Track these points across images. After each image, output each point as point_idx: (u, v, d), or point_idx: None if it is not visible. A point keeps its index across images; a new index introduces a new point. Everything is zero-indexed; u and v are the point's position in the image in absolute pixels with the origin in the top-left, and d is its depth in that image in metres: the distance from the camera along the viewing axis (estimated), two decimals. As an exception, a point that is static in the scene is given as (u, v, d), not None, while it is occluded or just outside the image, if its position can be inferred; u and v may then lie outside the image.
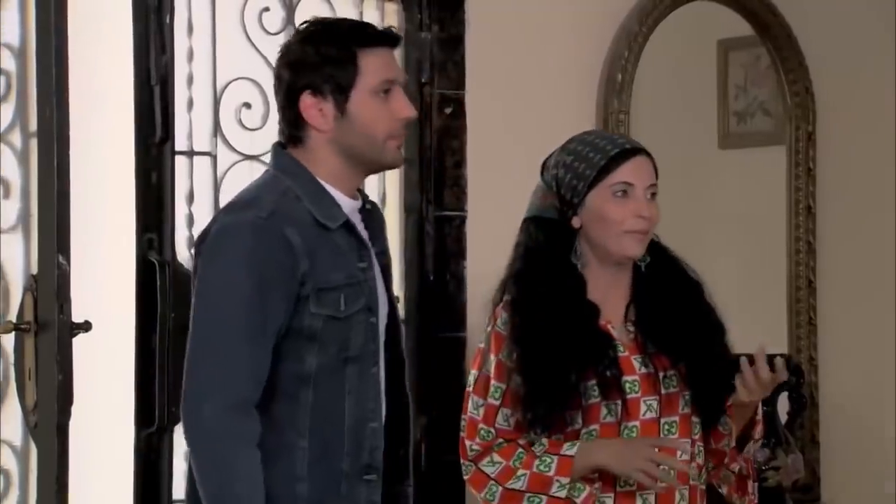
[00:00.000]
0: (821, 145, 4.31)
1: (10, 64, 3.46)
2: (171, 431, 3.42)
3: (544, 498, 2.78)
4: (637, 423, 2.82)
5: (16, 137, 3.46)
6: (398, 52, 3.80)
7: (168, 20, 3.45)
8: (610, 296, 2.87)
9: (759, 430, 2.91)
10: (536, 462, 2.79)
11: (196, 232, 3.49)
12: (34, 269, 3.25)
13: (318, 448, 2.56)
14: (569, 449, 2.78)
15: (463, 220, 3.83)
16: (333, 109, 2.59)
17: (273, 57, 3.65)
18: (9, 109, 3.45)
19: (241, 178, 3.56)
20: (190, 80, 3.54)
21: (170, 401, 3.36)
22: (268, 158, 3.70)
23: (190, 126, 3.54)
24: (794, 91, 4.29)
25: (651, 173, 2.84)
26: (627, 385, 2.80)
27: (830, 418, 4.27)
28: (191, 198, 3.55)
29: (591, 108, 4.02)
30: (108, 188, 3.50)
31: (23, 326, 3.25)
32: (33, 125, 3.32)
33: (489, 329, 2.87)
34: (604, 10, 4.03)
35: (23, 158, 3.46)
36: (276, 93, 2.65)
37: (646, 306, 2.88)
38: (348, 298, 2.57)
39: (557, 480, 2.77)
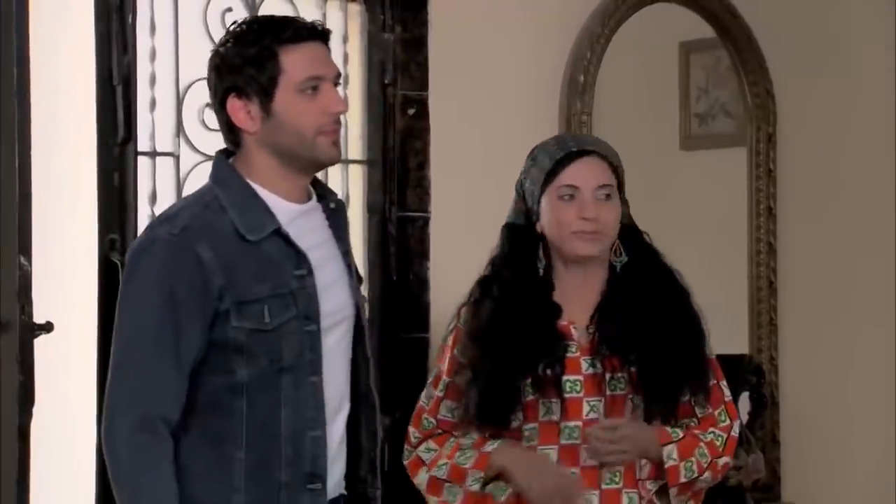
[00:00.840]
0: (781, 147, 4.33)
1: (-30, 63, 3.44)
2: (134, 432, 3.42)
3: (461, 489, 2.82)
4: (579, 422, 2.86)
5: (-23, 138, 3.44)
6: (360, 51, 3.85)
7: (130, 20, 3.42)
8: (577, 296, 2.90)
9: (675, 477, 2.87)
10: (458, 454, 2.87)
11: (159, 233, 3.54)
12: (-5, 270, 3.24)
13: (255, 459, 2.56)
14: (489, 446, 2.82)
15: (426, 221, 3.83)
16: (259, 110, 2.56)
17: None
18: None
19: (203, 179, 3.59)
20: (152, 81, 3.53)
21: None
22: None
23: (152, 126, 3.53)
24: (755, 92, 4.32)
25: (600, 174, 2.86)
26: (569, 384, 2.84)
27: (791, 418, 4.29)
28: (153, 198, 3.54)
29: (554, 110, 4.03)
30: (70, 189, 3.49)
31: (-17, 327, 3.24)
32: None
33: (451, 326, 2.91)
34: (566, 11, 4.04)
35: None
36: (211, 97, 2.64)
37: (611, 307, 2.89)
38: (273, 310, 2.54)
39: (472, 473, 2.82)
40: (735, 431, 2.96)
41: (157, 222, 2.63)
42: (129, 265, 2.58)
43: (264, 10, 3.64)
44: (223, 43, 2.61)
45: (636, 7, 4.12)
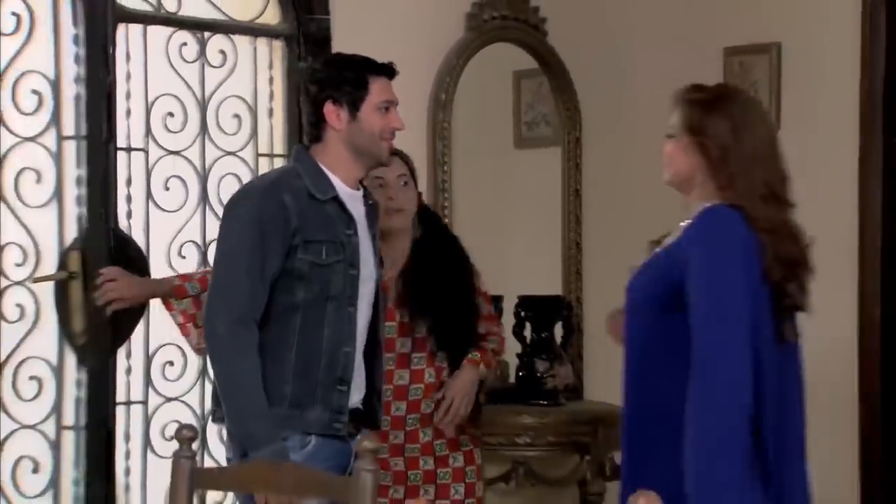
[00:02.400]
0: (585, 146, 4.38)
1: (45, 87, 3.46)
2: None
3: None
4: (394, 354, 3.03)
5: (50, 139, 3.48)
6: (282, 75, 3.88)
7: (111, 51, 3.46)
8: (389, 260, 3.05)
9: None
10: None
11: (133, 207, 3.58)
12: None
13: (301, 361, 2.67)
14: None
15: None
16: (347, 115, 2.75)
17: (190, 79, 3.74)
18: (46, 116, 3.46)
19: (166, 168, 3.64)
20: (128, 95, 3.57)
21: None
22: (187, 154, 3.77)
23: (128, 129, 3.56)
24: (566, 107, 4.36)
25: (396, 168, 3.05)
26: (388, 328, 2.97)
27: (591, 340, 4.32)
28: (129, 182, 3.57)
29: (424, 120, 4.09)
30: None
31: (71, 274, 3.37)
32: (65, 131, 3.38)
33: None
34: (432, 48, 4.12)
35: (57, 157, 3.45)
36: (304, 102, 2.81)
37: (414, 271, 3.07)
38: (328, 251, 2.68)
39: None
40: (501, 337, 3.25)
41: (250, 181, 2.92)
42: (228, 206, 2.73)
43: (211, 47, 3.70)
44: (322, 65, 2.81)
45: (482, 45, 4.25)
